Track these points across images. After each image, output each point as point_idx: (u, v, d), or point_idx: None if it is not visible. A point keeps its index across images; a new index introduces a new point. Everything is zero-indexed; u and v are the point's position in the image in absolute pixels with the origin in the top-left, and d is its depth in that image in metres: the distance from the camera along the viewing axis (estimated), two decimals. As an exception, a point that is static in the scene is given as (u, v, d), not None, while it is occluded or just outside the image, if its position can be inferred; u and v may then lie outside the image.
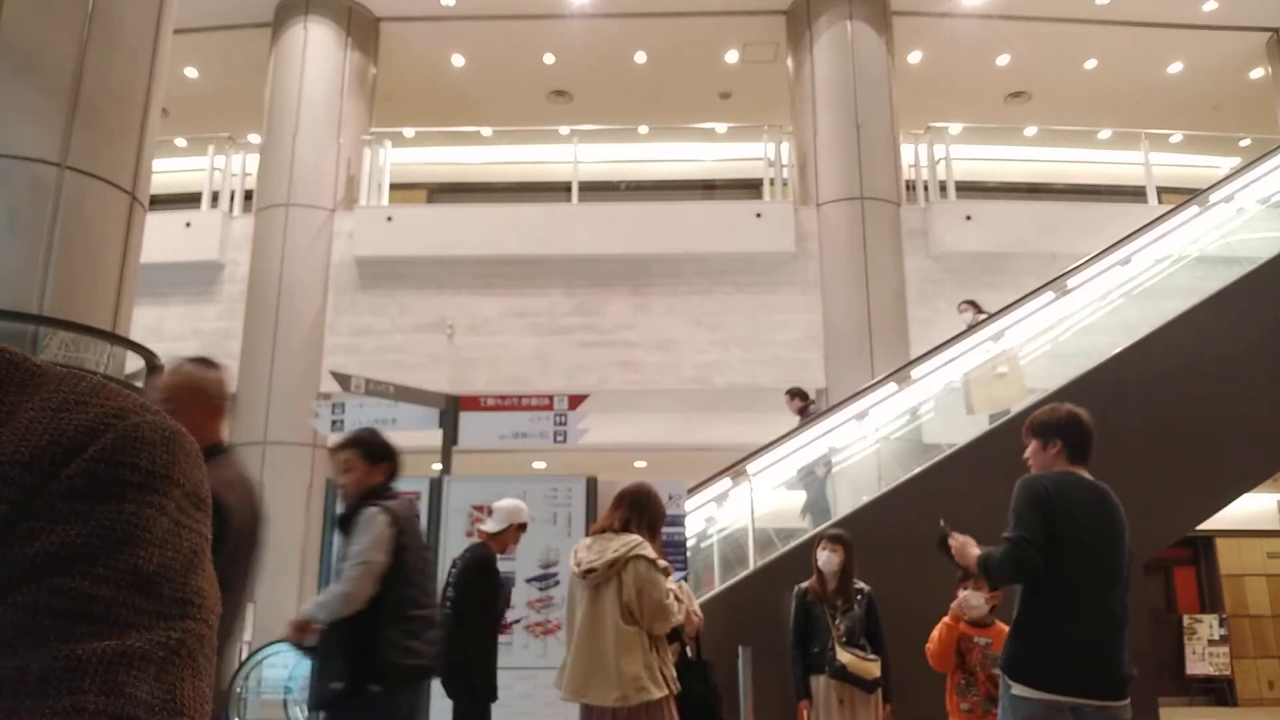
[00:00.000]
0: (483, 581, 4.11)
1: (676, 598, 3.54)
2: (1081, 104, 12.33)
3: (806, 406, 8.13)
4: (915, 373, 7.33)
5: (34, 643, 0.44)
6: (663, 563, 3.52)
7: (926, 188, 10.88)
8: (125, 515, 0.48)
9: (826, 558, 4.71)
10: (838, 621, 4.62)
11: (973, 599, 3.95)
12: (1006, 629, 3.48)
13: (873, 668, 4.55)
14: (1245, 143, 11.42)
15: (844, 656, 4.52)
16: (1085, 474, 3.18)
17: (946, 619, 4.01)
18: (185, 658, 0.48)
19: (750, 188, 11.41)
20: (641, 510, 3.62)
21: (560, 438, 5.18)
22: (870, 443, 7.40)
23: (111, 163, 5.47)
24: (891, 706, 4.64)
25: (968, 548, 3.30)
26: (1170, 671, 11.09)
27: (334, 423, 5.36)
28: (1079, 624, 2.93)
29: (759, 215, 10.06)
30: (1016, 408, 6.48)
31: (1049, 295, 7.26)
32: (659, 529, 3.70)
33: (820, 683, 4.61)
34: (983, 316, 7.51)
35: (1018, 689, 2.92)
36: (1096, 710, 2.86)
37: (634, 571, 3.42)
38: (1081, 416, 3.24)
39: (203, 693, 0.49)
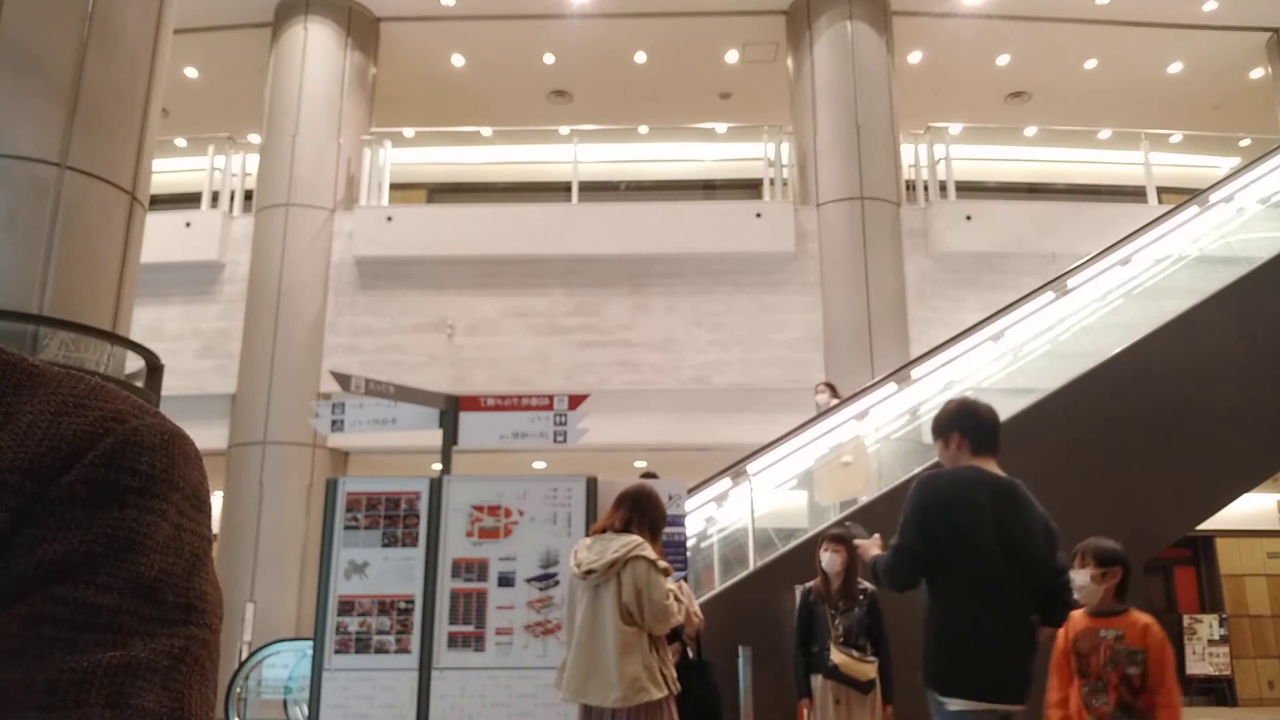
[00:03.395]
0: None
1: (676, 598, 3.54)
2: (1081, 104, 12.33)
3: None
4: (915, 373, 7.33)
5: (38, 654, 0.44)
6: (663, 563, 3.52)
7: (926, 188, 10.88)
8: (127, 521, 0.47)
9: (829, 558, 4.71)
10: (837, 622, 4.62)
11: (1076, 578, 3.24)
12: (1143, 619, 3.14)
13: (867, 669, 4.54)
14: (1245, 143, 11.42)
15: (837, 657, 4.52)
16: (992, 468, 3.03)
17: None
18: (191, 664, 0.47)
19: (750, 188, 11.41)
20: (643, 511, 3.62)
21: (560, 438, 5.16)
22: (870, 442, 7.40)
23: (111, 163, 5.46)
24: (893, 708, 4.63)
25: (870, 550, 3.25)
26: (1170, 671, 11.09)
27: (334, 423, 5.35)
28: (990, 626, 2.82)
29: (759, 215, 10.06)
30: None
31: (1049, 295, 7.26)
32: (660, 530, 3.70)
33: (819, 682, 4.62)
34: (835, 402, 7.40)
35: (955, 703, 2.79)
36: (1013, 715, 2.81)
37: (634, 572, 3.42)
38: (975, 406, 3.13)
39: (209, 699, 0.48)
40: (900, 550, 2.93)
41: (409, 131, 11.13)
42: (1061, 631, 3.22)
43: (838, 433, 7.19)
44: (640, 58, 11.84)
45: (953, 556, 2.86)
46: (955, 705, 2.79)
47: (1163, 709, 3.03)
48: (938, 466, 3.34)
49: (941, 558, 2.87)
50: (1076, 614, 3.24)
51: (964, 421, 3.08)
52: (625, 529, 3.57)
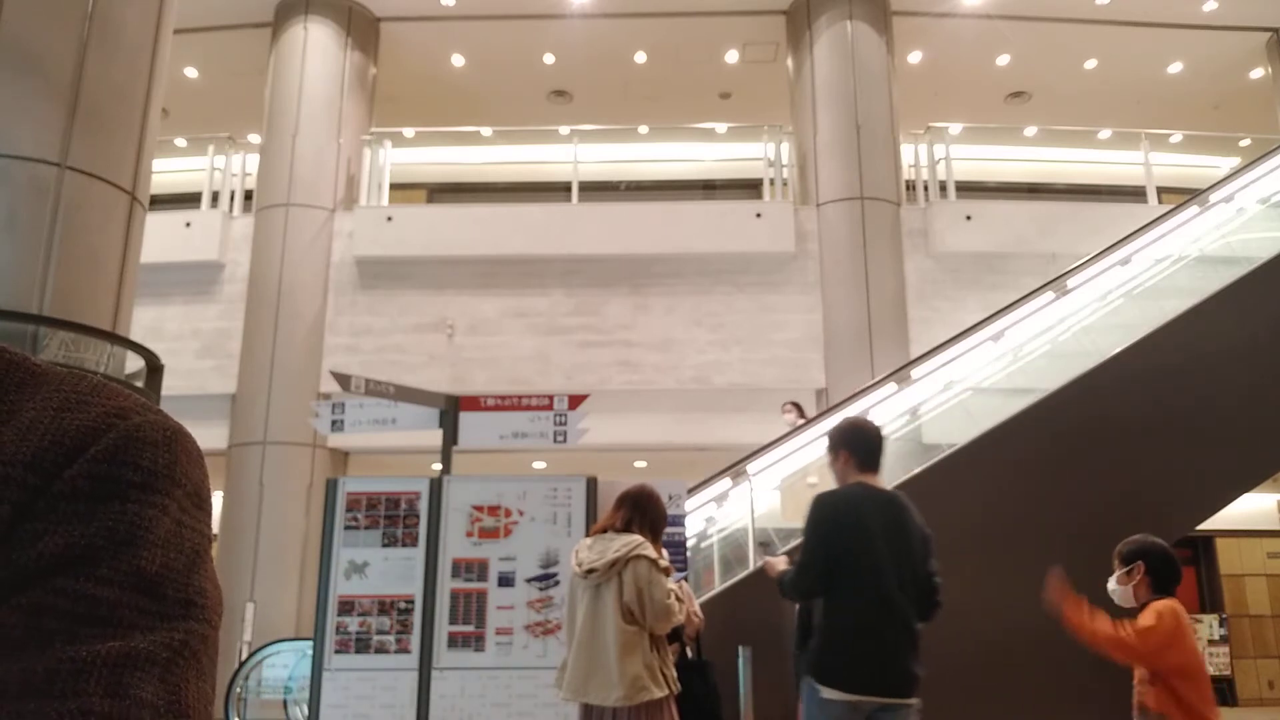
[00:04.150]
0: None
1: (677, 598, 3.55)
2: (1081, 104, 12.33)
3: None
4: (915, 373, 7.33)
5: (39, 645, 0.44)
6: (664, 563, 3.52)
7: (926, 188, 10.88)
8: (128, 516, 0.48)
9: (827, 558, 4.71)
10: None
11: (1110, 584, 3.26)
12: (1147, 610, 3.13)
13: None
14: (1245, 143, 11.42)
15: None
16: (876, 482, 3.41)
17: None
18: (189, 658, 0.48)
19: (750, 188, 11.41)
20: (644, 512, 3.62)
21: (560, 438, 5.17)
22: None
23: (111, 163, 5.46)
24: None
25: (776, 565, 3.66)
26: (1170, 671, 11.09)
27: (334, 423, 5.35)
28: (874, 628, 3.16)
29: (759, 215, 10.06)
30: None
31: (1049, 295, 7.26)
32: (661, 531, 3.70)
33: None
34: (802, 421, 7.36)
35: (828, 693, 3.12)
36: (894, 708, 3.14)
37: (635, 571, 3.42)
38: (864, 427, 3.53)
39: (206, 693, 0.49)
40: (803, 565, 3.30)
41: (409, 131, 11.13)
42: None
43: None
44: (640, 58, 11.84)
45: (846, 565, 3.22)
46: (828, 694, 3.13)
47: (1157, 695, 2.95)
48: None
49: (837, 567, 3.23)
50: None
51: (853, 441, 3.46)
52: (626, 529, 3.57)
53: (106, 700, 0.44)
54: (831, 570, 3.23)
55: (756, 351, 9.75)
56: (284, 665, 6.67)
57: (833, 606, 3.25)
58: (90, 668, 0.44)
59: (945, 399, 7.42)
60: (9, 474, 0.46)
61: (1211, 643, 11.33)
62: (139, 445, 0.50)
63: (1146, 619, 3.09)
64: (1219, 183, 7.88)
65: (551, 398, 5.24)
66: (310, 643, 4.91)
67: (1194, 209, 7.62)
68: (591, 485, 4.84)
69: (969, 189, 11.06)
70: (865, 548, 3.22)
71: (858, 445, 3.44)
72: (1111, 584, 3.29)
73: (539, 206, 10.61)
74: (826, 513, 3.34)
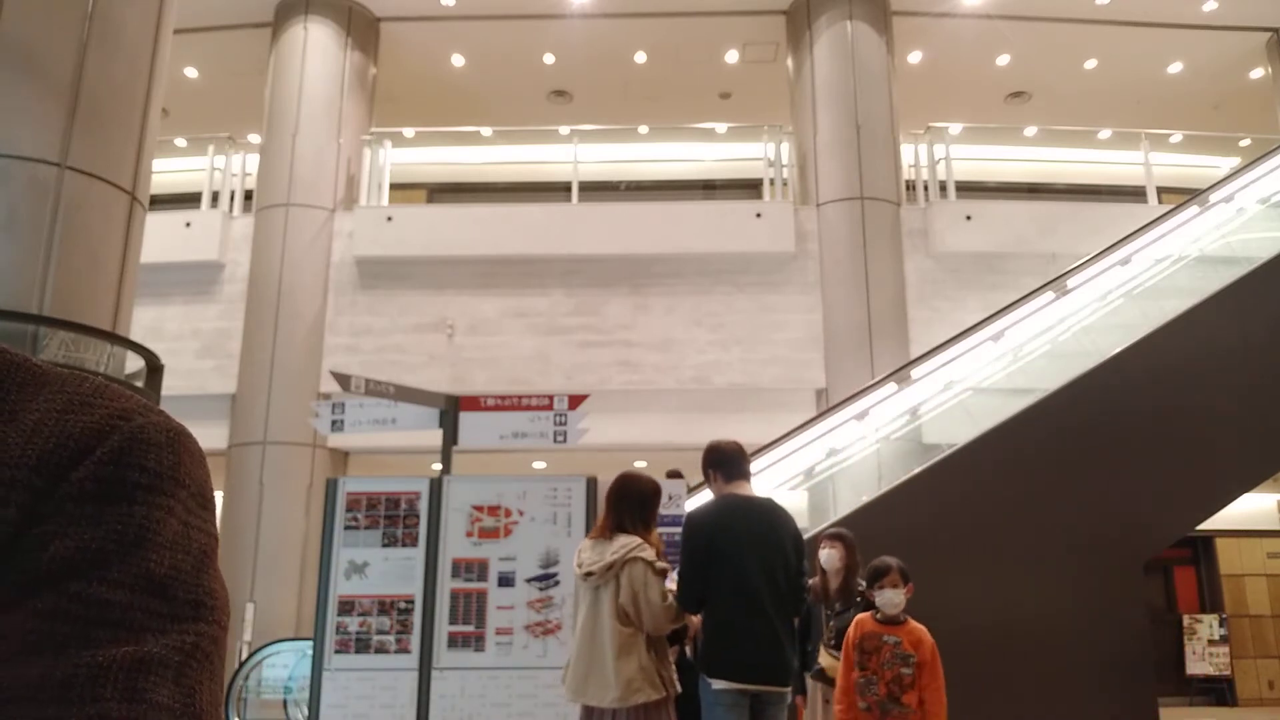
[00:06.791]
0: None
1: (676, 599, 3.55)
2: (1081, 104, 12.33)
3: None
4: (915, 373, 7.34)
5: (54, 649, 0.44)
6: (661, 564, 3.52)
7: (926, 188, 10.88)
8: (136, 518, 0.48)
9: (828, 555, 4.73)
10: (831, 623, 4.63)
11: (891, 596, 3.78)
12: (919, 629, 3.78)
13: None
14: (1245, 143, 11.42)
15: (824, 659, 4.57)
16: (746, 490, 3.72)
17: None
18: (201, 660, 0.48)
19: (750, 188, 11.40)
20: (626, 503, 3.59)
21: (560, 438, 5.16)
22: (870, 443, 7.40)
23: (111, 163, 5.46)
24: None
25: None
26: (1170, 671, 11.10)
27: (334, 423, 5.35)
28: (744, 624, 3.48)
29: (759, 215, 10.06)
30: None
31: (1049, 295, 7.27)
32: (651, 511, 3.65)
33: (811, 682, 4.66)
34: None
35: (717, 684, 3.46)
36: (770, 695, 3.51)
37: (630, 574, 3.42)
38: (718, 445, 3.83)
39: (217, 695, 0.49)
40: (682, 578, 3.58)
41: (409, 131, 11.13)
42: (851, 631, 3.84)
43: (839, 433, 7.20)
44: (640, 58, 11.84)
45: (721, 571, 3.51)
46: (717, 685, 3.46)
47: (931, 699, 3.70)
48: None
49: (713, 573, 3.51)
50: (865, 617, 3.85)
51: (716, 460, 3.77)
52: (619, 529, 3.56)
53: (124, 705, 0.44)
54: (707, 576, 3.52)
55: (756, 351, 9.75)
56: (284, 665, 6.68)
57: (712, 607, 3.54)
58: (106, 672, 0.44)
59: (945, 399, 7.42)
60: (15, 477, 0.46)
61: (1211, 643, 11.33)
62: (143, 447, 0.50)
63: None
64: (1219, 183, 7.89)
65: (551, 398, 5.24)
66: (310, 643, 4.91)
67: (1194, 209, 7.63)
68: (591, 485, 4.84)
69: (969, 189, 11.06)
70: (734, 551, 3.51)
71: (720, 462, 3.75)
72: (898, 597, 3.75)
73: (539, 206, 10.61)
74: (694, 527, 3.62)
